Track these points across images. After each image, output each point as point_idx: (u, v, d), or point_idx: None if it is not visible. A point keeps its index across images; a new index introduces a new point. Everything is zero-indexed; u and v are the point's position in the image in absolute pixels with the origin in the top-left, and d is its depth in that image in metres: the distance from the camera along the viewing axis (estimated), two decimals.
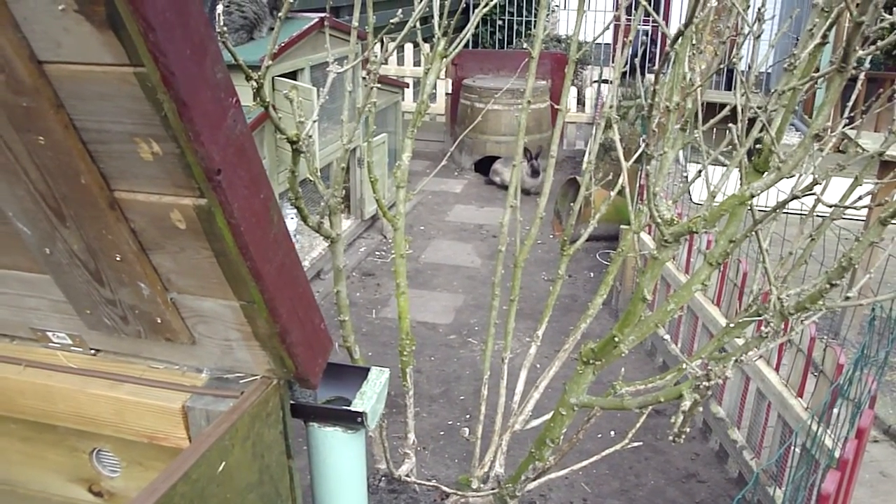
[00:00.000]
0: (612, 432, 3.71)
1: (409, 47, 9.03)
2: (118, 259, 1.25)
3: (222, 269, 1.22)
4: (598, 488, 3.37)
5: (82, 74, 1.00)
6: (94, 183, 1.14)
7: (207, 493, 1.25)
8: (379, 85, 4.67)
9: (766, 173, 1.86)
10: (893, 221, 1.48)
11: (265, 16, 4.29)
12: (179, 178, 1.09)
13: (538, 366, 3.94)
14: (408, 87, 7.66)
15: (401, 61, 9.05)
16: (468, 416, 3.85)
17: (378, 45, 4.00)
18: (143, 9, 0.85)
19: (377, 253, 5.89)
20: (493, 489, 2.95)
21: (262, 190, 1.14)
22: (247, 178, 1.09)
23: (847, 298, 1.83)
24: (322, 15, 4.72)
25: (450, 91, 8.45)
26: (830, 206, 1.69)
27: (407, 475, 3.02)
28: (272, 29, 4.57)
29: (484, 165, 7.90)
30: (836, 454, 2.24)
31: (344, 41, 5.15)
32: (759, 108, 1.97)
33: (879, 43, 1.55)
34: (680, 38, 1.95)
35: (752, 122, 1.98)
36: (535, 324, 3.14)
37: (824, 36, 1.75)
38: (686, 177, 7.51)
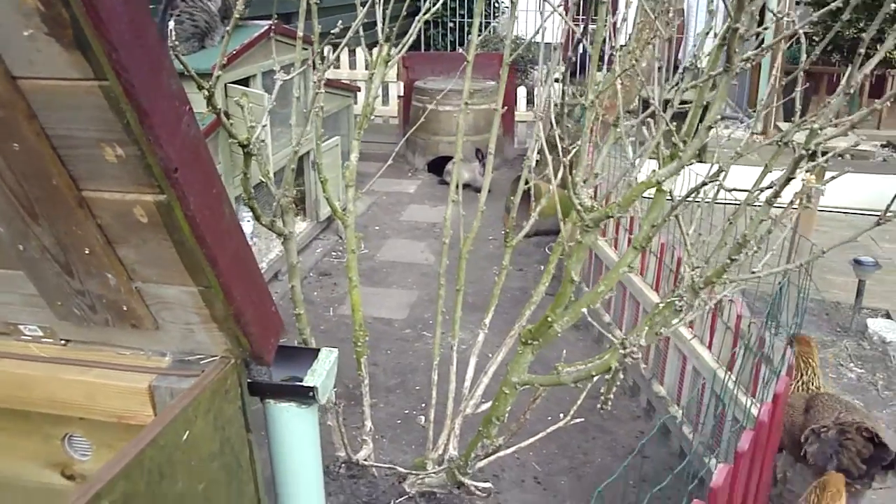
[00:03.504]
0: (561, 414, 3.89)
1: (360, 51, 9.17)
2: (87, 252, 1.40)
3: (181, 258, 1.38)
4: (548, 467, 3.56)
5: (52, 88, 1.15)
6: (64, 184, 1.29)
7: (174, 459, 1.40)
8: (329, 89, 4.81)
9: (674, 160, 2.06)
10: (778, 202, 1.68)
11: (216, 24, 4.41)
12: (140, 177, 1.24)
13: (489, 354, 4.12)
14: (360, 90, 7.81)
15: (353, 65, 9.19)
16: (424, 405, 4.01)
17: (326, 50, 4.15)
18: (106, 32, 1.01)
19: (333, 253, 6.04)
20: (446, 470, 3.12)
21: (215, 186, 1.30)
22: (201, 175, 1.25)
23: (752, 273, 2.04)
24: (272, 22, 4.85)
25: (402, 93, 8.61)
26: (729, 191, 1.89)
27: (365, 460, 3.18)
28: (224, 37, 4.70)
29: (437, 166, 8.07)
30: (754, 413, 2.46)
31: (294, 47, 5.29)
32: (671, 104, 2.17)
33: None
34: (585, 39, 2.14)
35: (681, 115, 2.18)
36: (485, 315, 3.32)
37: (723, 37, 1.95)
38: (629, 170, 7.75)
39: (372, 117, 8.42)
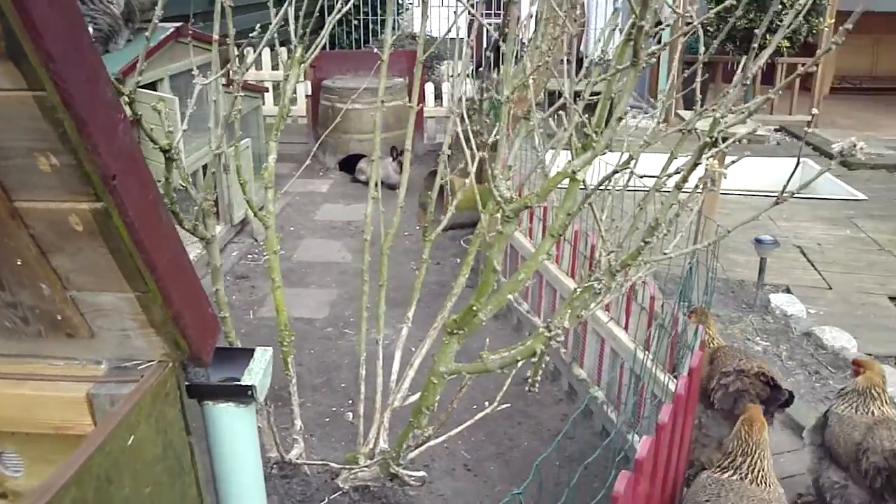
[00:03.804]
0: (487, 402, 3.99)
1: (266, 51, 9.08)
2: (19, 263, 1.40)
3: (118, 265, 1.39)
4: (476, 454, 3.65)
5: None
6: None
7: (121, 464, 1.41)
8: (243, 92, 4.78)
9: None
10: (685, 187, 1.80)
11: (120, 28, 4.33)
12: (75, 185, 1.25)
13: (413, 349, 4.19)
14: (267, 91, 7.74)
15: (258, 65, 9.09)
16: (351, 402, 4.04)
17: (238, 52, 4.12)
18: (44, 43, 1.02)
19: (249, 256, 5.99)
20: (378, 463, 3.17)
21: (151, 192, 1.32)
22: (137, 181, 1.26)
23: (664, 254, 2.16)
24: (178, 25, 4.79)
25: (309, 93, 8.57)
26: (641, 177, 2.00)
27: (297, 459, 3.20)
28: (129, 41, 4.61)
29: (348, 164, 8.08)
30: (672, 388, 2.59)
31: (201, 49, 5.22)
32: (582, 96, 2.27)
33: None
34: (507, 37, 2.22)
35: (590, 106, 2.28)
36: (407, 311, 3.38)
37: (629, 33, 2.06)
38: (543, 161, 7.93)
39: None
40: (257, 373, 1.78)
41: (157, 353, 1.62)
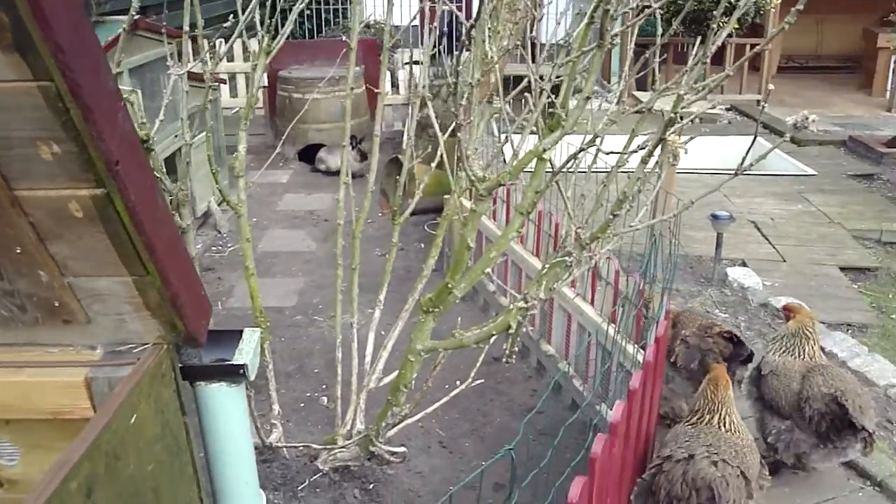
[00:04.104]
0: (458, 381, 4.08)
1: (220, 43, 9.01)
2: (18, 251, 1.44)
3: (116, 249, 1.44)
4: (451, 431, 3.74)
5: None
6: None
7: (126, 441, 1.46)
8: (196, 83, 4.78)
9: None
10: (651, 161, 1.89)
11: None
12: (76, 172, 1.30)
13: (382, 332, 4.25)
14: (225, 83, 7.71)
15: (213, 57, 9.03)
16: (324, 387, 4.10)
17: (199, 44, 4.13)
18: (53, 34, 1.07)
19: (213, 248, 5.99)
20: (357, 443, 3.24)
21: (149, 177, 1.37)
22: (138, 167, 1.31)
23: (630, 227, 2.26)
24: (135, 17, 4.76)
25: (265, 84, 8.54)
26: (607, 154, 2.10)
27: (277, 442, 3.25)
28: None
29: (307, 154, 8.09)
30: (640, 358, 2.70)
31: (157, 41, 5.21)
32: (549, 78, 2.35)
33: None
34: (477, 22, 2.30)
35: (550, 90, 2.36)
36: (375, 296, 3.45)
37: (591, 16, 2.15)
38: (500, 146, 8.02)
39: (237, 109, 8.36)
40: (248, 352, 1.85)
41: (152, 336, 1.67)
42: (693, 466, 2.48)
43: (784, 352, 3.20)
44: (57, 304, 1.55)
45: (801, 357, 3.16)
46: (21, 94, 1.19)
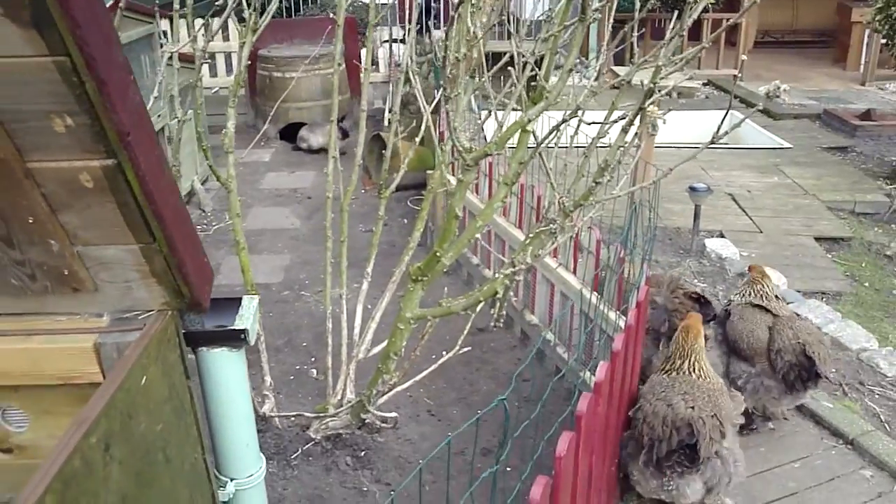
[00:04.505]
0: (444, 351, 4.17)
1: (199, 22, 8.98)
2: (30, 221, 1.50)
3: (124, 218, 1.50)
4: (438, 400, 3.84)
5: (4, 66, 1.26)
6: (10, 157, 1.39)
7: (137, 402, 1.54)
8: (182, 63, 4.80)
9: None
10: (631, 131, 1.97)
11: None
12: (88, 144, 1.36)
13: (369, 306, 4.34)
14: (209, 62, 7.69)
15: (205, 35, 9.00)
16: (313, 359, 4.19)
17: (189, 23, 4.16)
18: (71, 10, 1.13)
19: (198, 227, 6.03)
20: (348, 411, 3.33)
21: (157, 147, 1.43)
22: (147, 137, 1.38)
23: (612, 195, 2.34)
24: None
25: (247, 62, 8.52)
26: (590, 124, 2.18)
27: (270, 412, 3.33)
28: None
29: (289, 133, 8.11)
30: (622, 323, 2.81)
31: (139, 21, 5.22)
32: (533, 52, 2.42)
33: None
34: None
35: (529, 65, 2.43)
36: (360, 271, 3.54)
37: None
38: (480, 122, 8.09)
39: (216, 89, 8.37)
40: (247, 318, 1.92)
41: (157, 303, 1.74)
42: (672, 411, 2.69)
43: (745, 295, 3.51)
44: (66, 273, 1.62)
45: (760, 297, 3.45)
46: (36, 69, 1.25)
